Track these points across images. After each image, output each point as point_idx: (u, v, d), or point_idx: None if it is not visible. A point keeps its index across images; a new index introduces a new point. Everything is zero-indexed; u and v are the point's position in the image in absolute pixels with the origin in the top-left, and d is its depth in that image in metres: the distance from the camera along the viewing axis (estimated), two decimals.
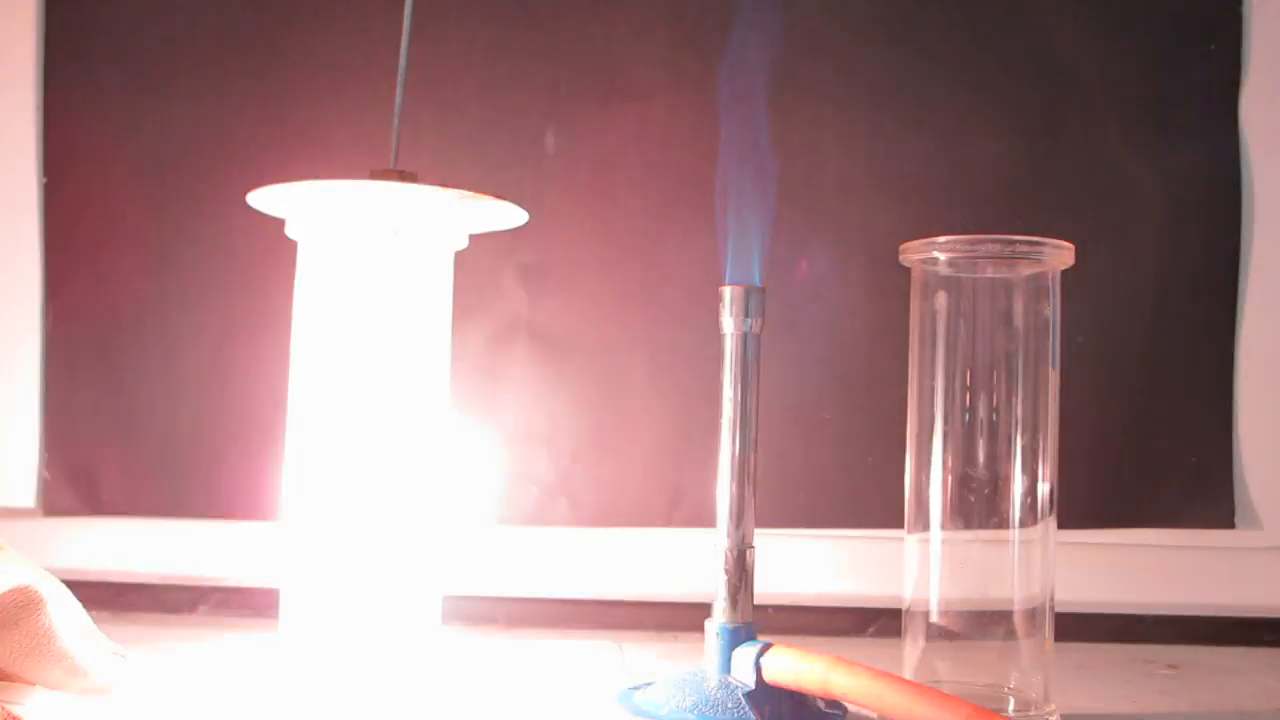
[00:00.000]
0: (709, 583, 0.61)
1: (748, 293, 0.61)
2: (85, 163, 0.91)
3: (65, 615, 0.54)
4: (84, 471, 0.91)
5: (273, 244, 0.64)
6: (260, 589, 0.87)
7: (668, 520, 0.89)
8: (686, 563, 0.87)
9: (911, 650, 0.65)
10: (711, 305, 0.62)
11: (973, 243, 0.63)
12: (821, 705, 0.60)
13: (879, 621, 0.88)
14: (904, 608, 0.65)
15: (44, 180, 0.91)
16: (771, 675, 0.58)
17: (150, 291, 0.90)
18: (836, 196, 0.90)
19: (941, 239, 0.63)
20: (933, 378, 0.64)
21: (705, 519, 0.62)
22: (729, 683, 0.59)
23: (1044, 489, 0.63)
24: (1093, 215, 0.89)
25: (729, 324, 0.61)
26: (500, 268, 0.89)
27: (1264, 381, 0.90)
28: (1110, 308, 0.89)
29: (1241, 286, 0.90)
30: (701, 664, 0.61)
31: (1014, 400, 0.63)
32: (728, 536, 0.61)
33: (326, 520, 0.58)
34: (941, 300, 0.64)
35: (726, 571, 0.61)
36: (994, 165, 0.90)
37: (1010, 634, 0.63)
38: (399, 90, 0.64)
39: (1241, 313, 0.90)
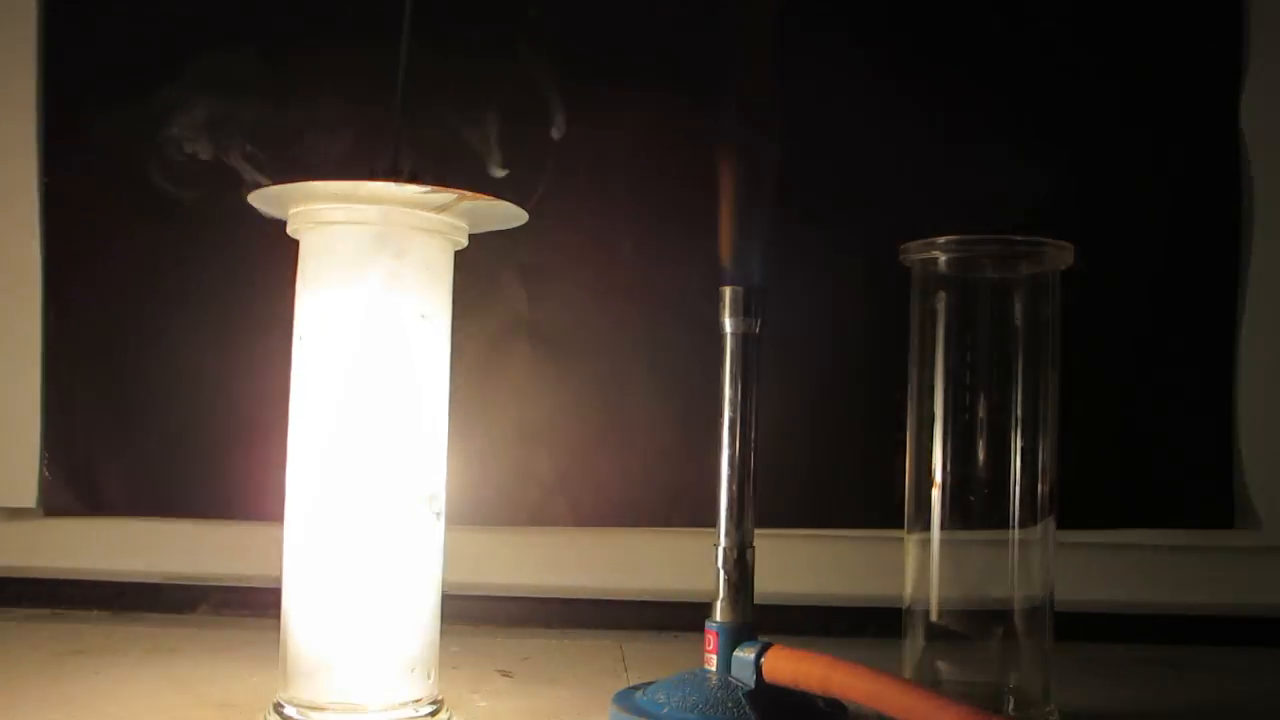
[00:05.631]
0: (709, 583, 0.61)
1: (748, 293, 0.61)
2: (85, 163, 0.91)
3: None
4: (84, 471, 0.91)
5: (273, 244, 0.64)
6: (260, 589, 0.87)
7: (668, 520, 0.89)
8: (686, 563, 0.86)
9: (911, 650, 0.65)
10: (711, 305, 0.62)
11: (973, 243, 0.63)
12: (821, 705, 0.60)
13: (879, 621, 0.88)
14: (904, 608, 0.65)
15: (44, 180, 0.91)
16: (771, 675, 0.58)
17: (150, 291, 0.90)
18: (837, 196, 0.90)
19: (941, 239, 0.63)
20: (933, 378, 0.64)
21: (705, 519, 0.62)
22: (729, 683, 0.59)
23: (1043, 489, 0.63)
24: (1093, 215, 0.90)
25: (729, 324, 0.61)
26: (500, 268, 0.90)
27: (1264, 381, 0.90)
28: (1110, 308, 0.89)
29: (1241, 287, 0.90)
30: (701, 664, 0.61)
31: (1014, 400, 0.63)
32: (728, 536, 0.61)
33: (327, 520, 0.58)
34: (941, 300, 0.64)
35: (726, 571, 0.61)
36: (995, 165, 0.89)
37: (1010, 634, 0.63)
38: (399, 90, 0.64)
39: (1241, 313, 0.90)
